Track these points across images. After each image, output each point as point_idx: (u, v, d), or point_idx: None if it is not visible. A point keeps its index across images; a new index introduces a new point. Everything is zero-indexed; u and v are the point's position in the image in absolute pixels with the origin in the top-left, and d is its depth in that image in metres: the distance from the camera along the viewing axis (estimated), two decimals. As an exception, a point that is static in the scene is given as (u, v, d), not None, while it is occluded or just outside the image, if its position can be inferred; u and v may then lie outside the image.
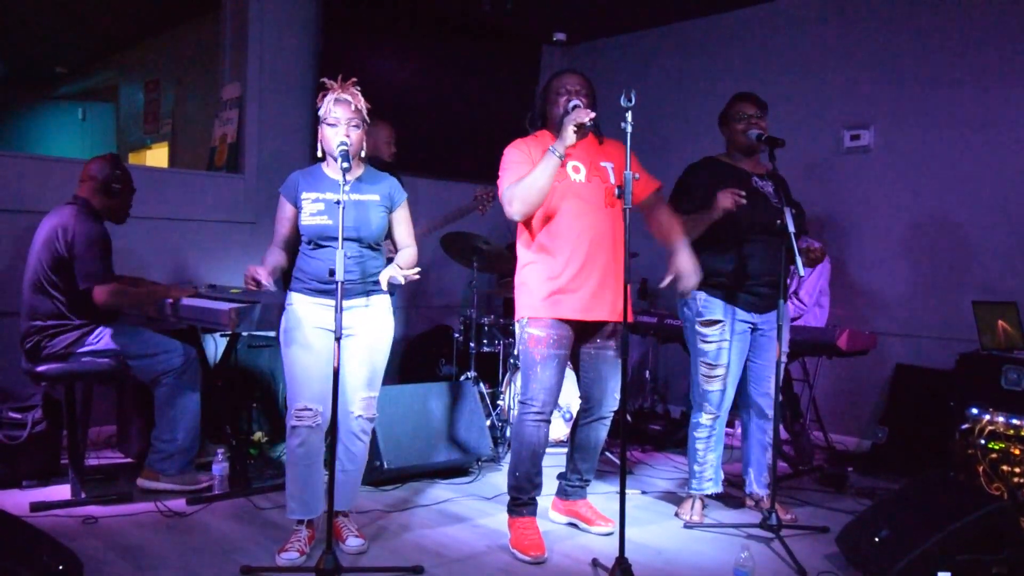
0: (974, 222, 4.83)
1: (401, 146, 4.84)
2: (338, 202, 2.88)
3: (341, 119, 3.09)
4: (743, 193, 3.46)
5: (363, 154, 3.21)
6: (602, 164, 3.37)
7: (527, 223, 3.35)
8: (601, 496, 3.94)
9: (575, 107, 3.22)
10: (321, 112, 3.12)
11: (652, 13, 6.13)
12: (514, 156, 3.34)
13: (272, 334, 3.88)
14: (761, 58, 5.74)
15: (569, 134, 3.13)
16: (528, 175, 3.19)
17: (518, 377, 3.43)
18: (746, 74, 5.72)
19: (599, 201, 3.31)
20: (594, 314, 3.30)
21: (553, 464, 4.09)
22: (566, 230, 3.27)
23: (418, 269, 3.11)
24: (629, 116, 2.87)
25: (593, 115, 3.14)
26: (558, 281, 3.27)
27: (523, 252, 3.42)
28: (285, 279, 3.31)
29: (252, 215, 5.29)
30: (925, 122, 5.00)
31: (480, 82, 6.41)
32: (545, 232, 3.31)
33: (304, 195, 3.16)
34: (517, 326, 3.41)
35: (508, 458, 3.51)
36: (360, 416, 3.24)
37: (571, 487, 3.67)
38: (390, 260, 3.21)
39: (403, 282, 3.07)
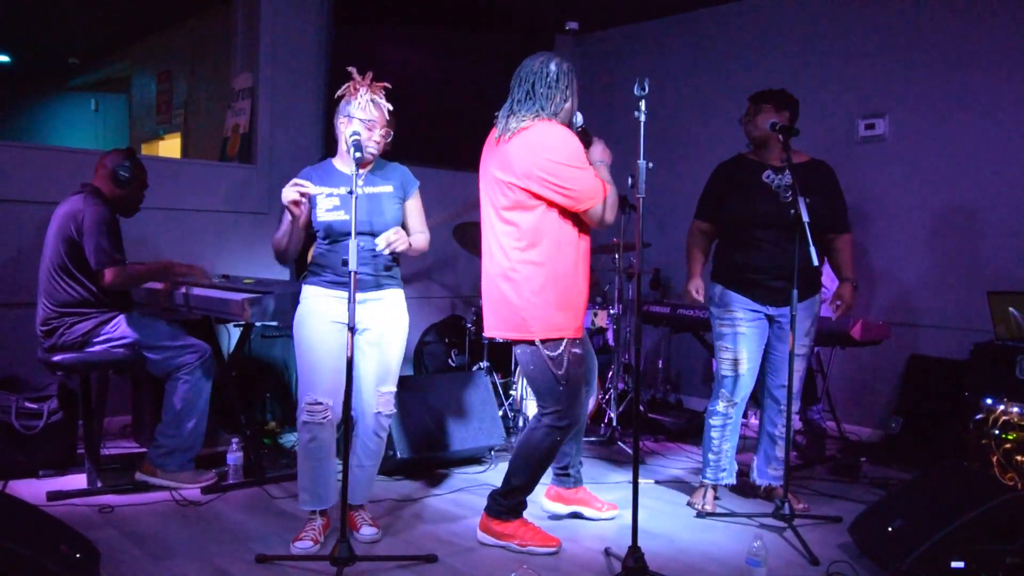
0: (990, 211, 4.79)
1: (411, 135, 4.81)
2: (351, 192, 2.88)
3: (378, 122, 3.11)
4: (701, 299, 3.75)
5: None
6: None
7: (536, 237, 3.07)
8: (613, 486, 3.94)
9: (582, 129, 3.21)
10: (351, 107, 3.11)
11: (665, 1, 6.09)
12: (577, 146, 3.09)
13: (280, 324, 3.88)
14: (774, 47, 5.69)
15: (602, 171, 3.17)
16: (613, 186, 3.15)
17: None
18: (758, 63, 5.68)
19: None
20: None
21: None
22: (572, 242, 3.14)
23: (410, 245, 3.15)
24: (643, 105, 2.85)
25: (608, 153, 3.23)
26: (577, 295, 3.17)
27: (533, 267, 3.09)
28: (299, 270, 3.31)
29: (264, 205, 5.30)
30: (941, 111, 4.96)
31: (491, 72, 6.37)
32: (560, 243, 3.12)
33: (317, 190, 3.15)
34: (549, 345, 3.09)
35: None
36: (379, 412, 3.24)
37: (566, 475, 3.59)
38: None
39: (401, 248, 3.11)
